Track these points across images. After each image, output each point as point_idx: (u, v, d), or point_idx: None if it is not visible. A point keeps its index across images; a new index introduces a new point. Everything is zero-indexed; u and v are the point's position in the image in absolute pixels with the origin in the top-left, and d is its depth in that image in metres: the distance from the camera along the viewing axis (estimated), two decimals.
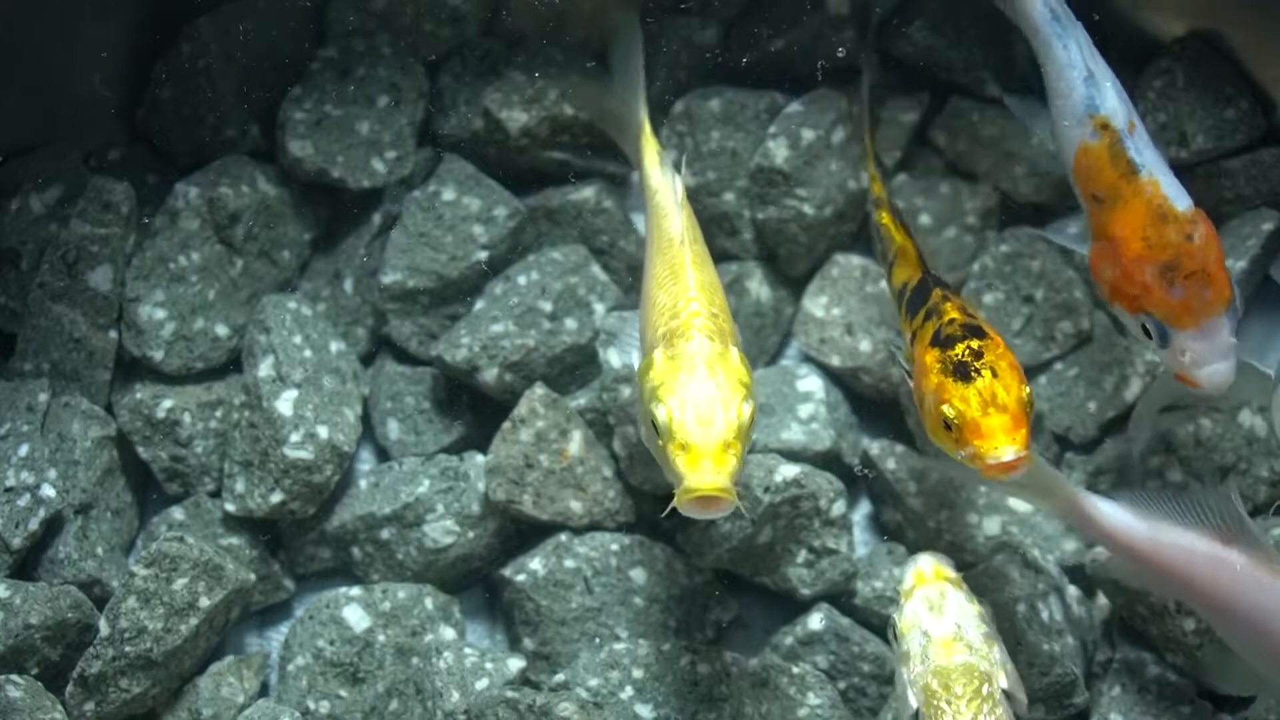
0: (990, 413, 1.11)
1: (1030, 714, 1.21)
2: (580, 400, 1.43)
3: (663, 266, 1.22)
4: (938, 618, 1.17)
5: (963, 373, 1.13)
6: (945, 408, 1.12)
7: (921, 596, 1.19)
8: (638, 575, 1.37)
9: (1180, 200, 1.19)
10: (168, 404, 1.42)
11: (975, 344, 1.15)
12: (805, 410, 1.43)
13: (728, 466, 1.08)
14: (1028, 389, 1.13)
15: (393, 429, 1.47)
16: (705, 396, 1.10)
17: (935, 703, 1.12)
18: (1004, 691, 1.13)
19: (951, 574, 1.22)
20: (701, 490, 1.07)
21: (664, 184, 1.29)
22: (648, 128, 1.36)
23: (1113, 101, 1.23)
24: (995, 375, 1.12)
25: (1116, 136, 1.21)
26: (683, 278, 1.19)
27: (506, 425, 1.40)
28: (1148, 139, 1.22)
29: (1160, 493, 1.25)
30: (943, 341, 1.16)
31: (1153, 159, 1.21)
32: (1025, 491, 1.30)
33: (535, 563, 1.37)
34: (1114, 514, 1.23)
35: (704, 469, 1.07)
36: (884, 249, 1.34)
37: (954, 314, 1.18)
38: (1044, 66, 1.28)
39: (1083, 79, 1.24)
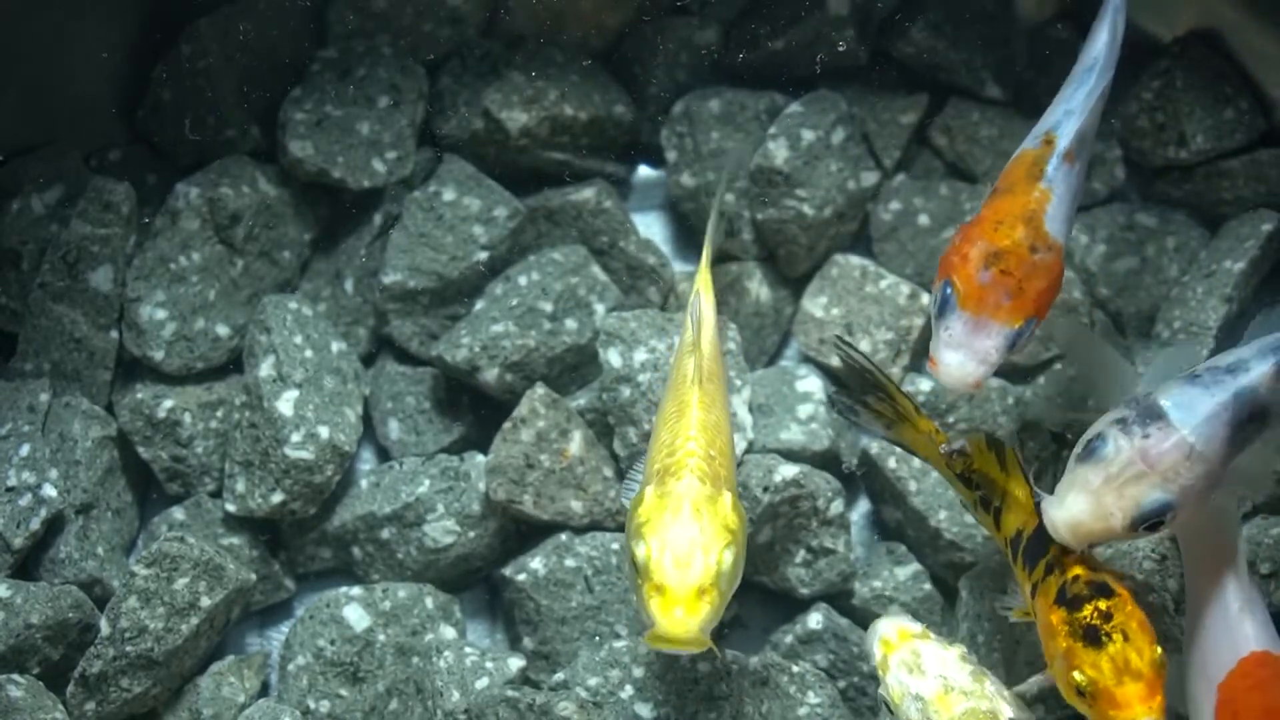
0: (1125, 681, 1.07)
1: (1031, 713, 1.21)
2: (580, 400, 1.44)
3: (673, 403, 1.22)
4: (921, 678, 1.17)
5: (1093, 637, 1.09)
6: (1077, 675, 1.09)
7: (898, 663, 1.19)
8: None
9: (1055, 227, 1.19)
10: (168, 404, 1.42)
11: (1104, 604, 1.10)
12: (804, 410, 1.43)
13: (700, 614, 1.07)
14: (1160, 650, 1.09)
15: (393, 429, 1.47)
16: (686, 539, 1.09)
17: None
18: None
19: (915, 629, 1.22)
20: (671, 638, 1.07)
21: (698, 321, 1.28)
22: (705, 265, 1.35)
23: (1071, 133, 1.24)
24: (1127, 639, 1.09)
25: (1050, 152, 1.23)
26: (687, 416, 1.19)
27: (507, 425, 1.40)
28: (1074, 179, 1.23)
29: None
30: (1069, 602, 1.12)
31: (1062, 187, 1.21)
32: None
33: (536, 562, 1.38)
34: None
35: (675, 615, 1.07)
36: (986, 494, 1.24)
37: (1077, 569, 1.13)
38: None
39: (1064, 111, 1.26)
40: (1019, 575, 1.19)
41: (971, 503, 1.25)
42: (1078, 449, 1.12)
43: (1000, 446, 1.21)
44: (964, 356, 1.15)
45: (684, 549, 1.09)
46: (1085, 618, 1.10)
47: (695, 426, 1.18)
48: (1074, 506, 1.10)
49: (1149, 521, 1.09)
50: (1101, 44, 1.29)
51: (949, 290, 1.16)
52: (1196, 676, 1.17)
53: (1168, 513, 1.09)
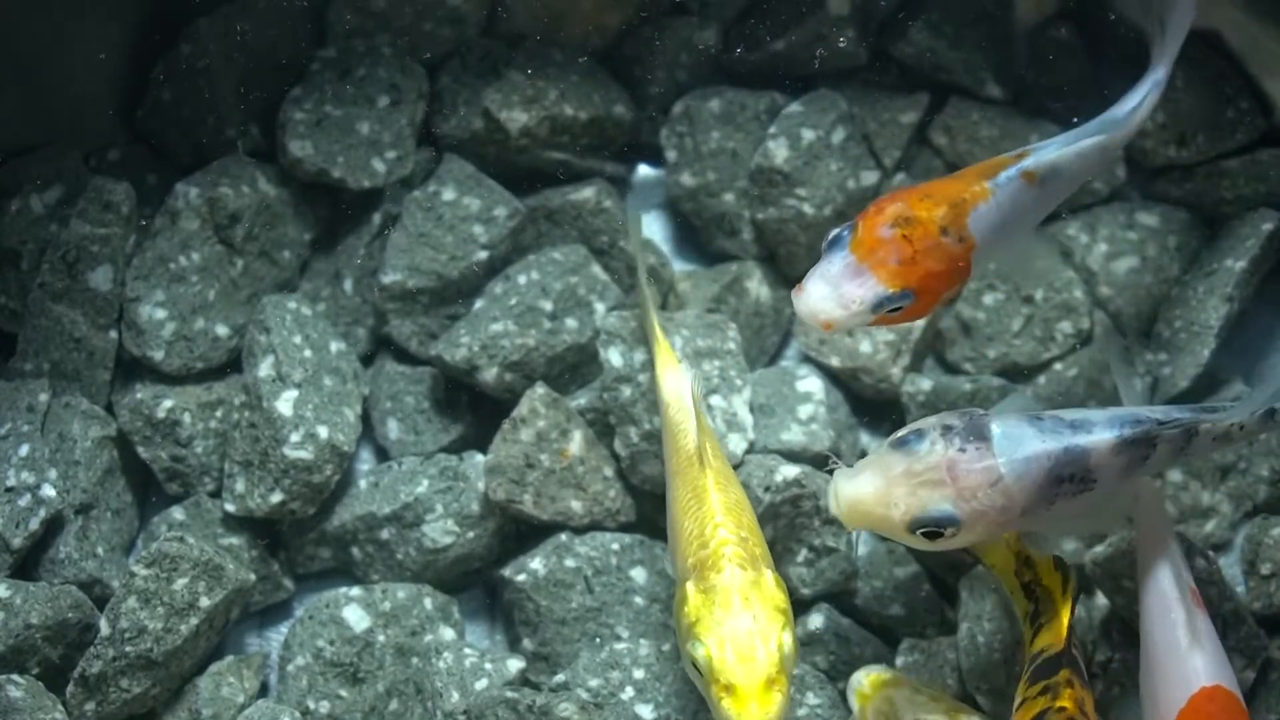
0: None
1: None
2: (581, 400, 1.43)
3: (685, 489, 1.20)
4: None
5: None
6: None
7: (874, 713, 1.21)
8: (639, 575, 1.37)
9: (978, 227, 1.17)
10: (168, 404, 1.42)
11: None
12: (805, 411, 1.43)
13: (774, 704, 1.06)
14: None
15: (393, 429, 1.47)
16: (744, 632, 1.08)
17: None
18: None
19: (888, 675, 1.24)
20: None
21: (677, 397, 1.27)
22: (659, 333, 1.34)
23: (1044, 158, 1.23)
24: None
25: (1013, 162, 1.22)
26: (707, 501, 1.17)
27: (506, 425, 1.40)
28: (1024, 199, 1.22)
29: None
30: None
31: (1007, 197, 1.20)
32: None
33: (535, 563, 1.37)
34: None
35: (750, 711, 1.06)
36: (1037, 608, 1.23)
37: (1067, 704, 1.11)
38: None
39: (1056, 141, 1.25)
40: (1020, 686, 1.18)
41: (1024, 614, 1.24)
42: (895, 435, 1.12)
43: (1065, 569, 1.21)
44: (828, 293, 1.13)
45: (744, 643, 1.07)
46: None
47: (720, 511, 1.16)
48: (863, 484, 1.10)
49: (927, 529, 1.10)
50: (1127, 109, 1.29)
51: (847, 231, 1.15)
52: (1150, 718, 1.16)
53: (948, 527, 1.10)
